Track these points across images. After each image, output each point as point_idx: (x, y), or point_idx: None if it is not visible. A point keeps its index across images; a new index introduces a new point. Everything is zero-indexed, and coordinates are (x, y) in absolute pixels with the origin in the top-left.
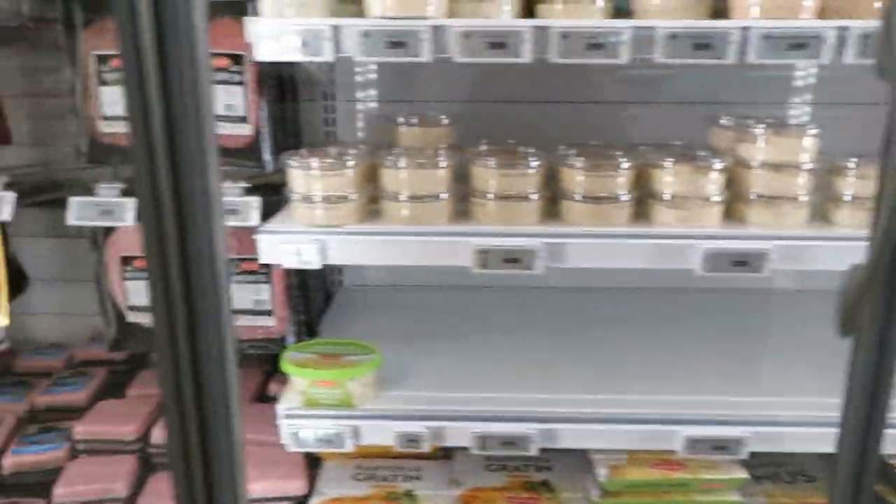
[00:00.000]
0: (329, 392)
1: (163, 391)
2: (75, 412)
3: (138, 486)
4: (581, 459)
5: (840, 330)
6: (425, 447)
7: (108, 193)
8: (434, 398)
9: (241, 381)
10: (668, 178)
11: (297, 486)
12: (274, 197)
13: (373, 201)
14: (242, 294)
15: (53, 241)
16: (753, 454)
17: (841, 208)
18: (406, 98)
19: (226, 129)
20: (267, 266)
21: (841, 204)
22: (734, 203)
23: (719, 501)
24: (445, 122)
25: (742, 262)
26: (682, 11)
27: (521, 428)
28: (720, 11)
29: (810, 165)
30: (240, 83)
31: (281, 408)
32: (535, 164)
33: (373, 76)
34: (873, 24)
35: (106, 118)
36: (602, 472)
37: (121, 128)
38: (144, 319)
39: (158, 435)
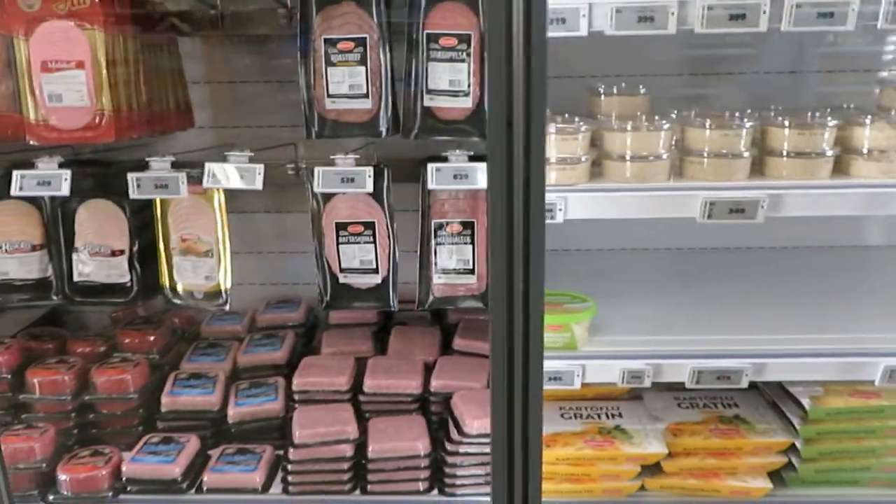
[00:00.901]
0: (557, 336)
1: (495, 345)
2: (277, 368)
3: (362, 429)
4: (759, 398)
5: None
6: (647, 382)
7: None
8: (647, 340)
9: (426, 337)
10: (872, 133)
11: None
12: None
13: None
14: (446, 254)
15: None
16: None
17: None
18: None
19: (451, 102)
20: (471, 227)
21: None
22: None
23: None
24: (643, 91)
25: None
26: None
27: (734, 363)
28: None
29: None
30: (464, 60)
31: None
32: (748, 124)
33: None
34: None
35: (331, 96)
36: (806, 402)
37: (344, 105)
38: (354, 281)
39: (370, 384)
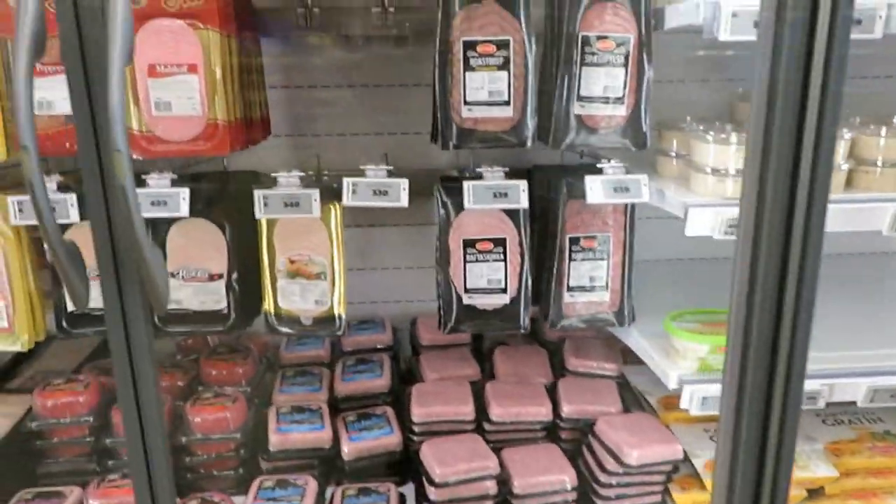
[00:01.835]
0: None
1: (736, 360)
2: (380, 396)
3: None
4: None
5: None
6: (821, 403)
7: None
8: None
9: (534, 357)
10: None
11: (676, 451)
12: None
13: None
14: (579, 270)
15: None
16: None
17: None
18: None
19: (604, 110)
20: (604, 242)
21: None
22: None
23: None
24: None
25: None
26: None
27: None
28: None
29: None
30: (622, 65)
31: (675, 375)
32: None
33: None
34: None
35: (468, 103)
36: None
37: (482, 112)
38: (480, 301)
39: (499, 413)
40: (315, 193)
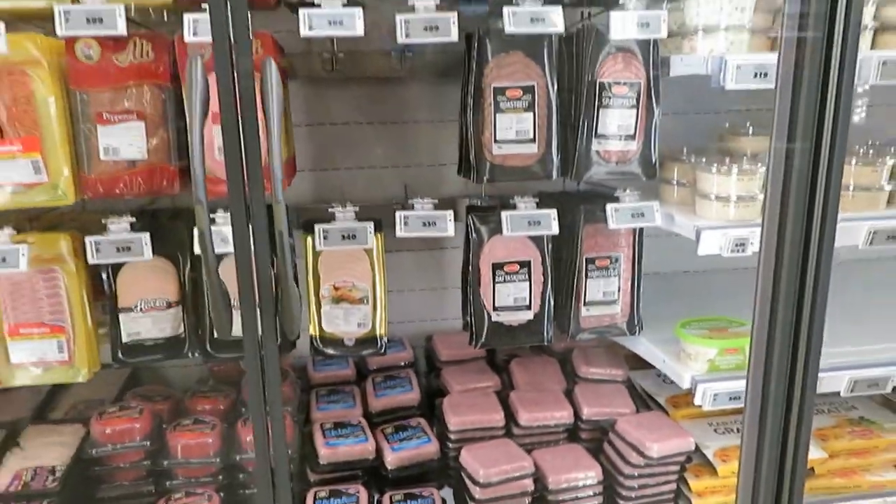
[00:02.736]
0: (733, 358)
1: (773, 371)
2: (411, 409)
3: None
4: (870, 400)
5: None
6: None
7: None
8: None
9: (548, 367)
10: None
11: (689, 443)
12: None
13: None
14: (595, 287)
15: None
16: None
17: None
18: None
19: (619, 145)
20: (616, 261)
21: None
22: None
23: None
24: None
25: None
26: None
27: (886, 371)
28: None
29: None
30: (634, 106)
31: (688, 376)
32: (890, 161)
33: None
34: None
35: (498, 141)
36: None
37: (510, 149)
38: (507, 318)
39: (527, 418)
40: (370, 226)
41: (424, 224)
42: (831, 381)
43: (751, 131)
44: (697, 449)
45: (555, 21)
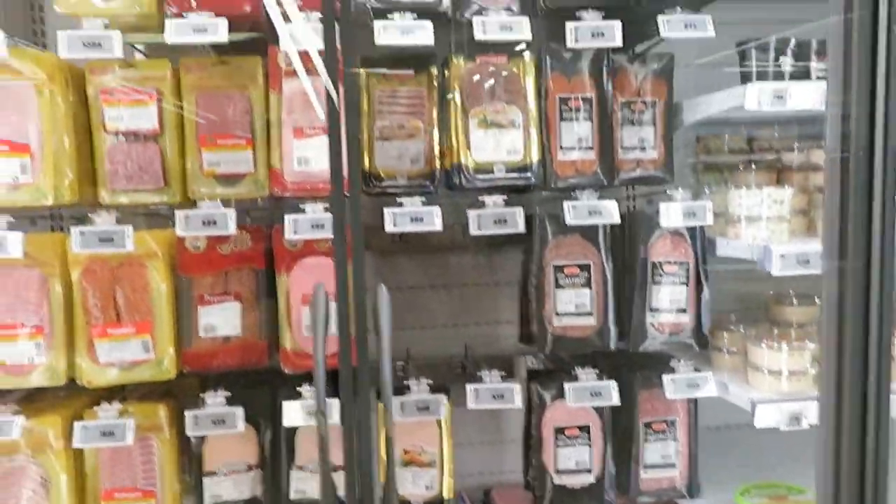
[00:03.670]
0: None
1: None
2: None
3: None
4: None
5: None
6: None
7: None
8: None
9: None
10: None
11: None
12: None
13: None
14: (653, 451)
15: None
16: None
17: None
18: None
19: (670, 318)
20: (673, 424)
21: None
22: None
23: None
24: None
25: None
26: None
27: None
28: None
29: None
30: (685, 283)
31: None
32: None
33: None
34: None
35: (558, 314)
36: None
37: (570, 321)
38: (568, 481)
39: None
40: (443, 399)
41: (494, 397)
42: None
43: (794, 302)
44: None
45: (611, 213)
